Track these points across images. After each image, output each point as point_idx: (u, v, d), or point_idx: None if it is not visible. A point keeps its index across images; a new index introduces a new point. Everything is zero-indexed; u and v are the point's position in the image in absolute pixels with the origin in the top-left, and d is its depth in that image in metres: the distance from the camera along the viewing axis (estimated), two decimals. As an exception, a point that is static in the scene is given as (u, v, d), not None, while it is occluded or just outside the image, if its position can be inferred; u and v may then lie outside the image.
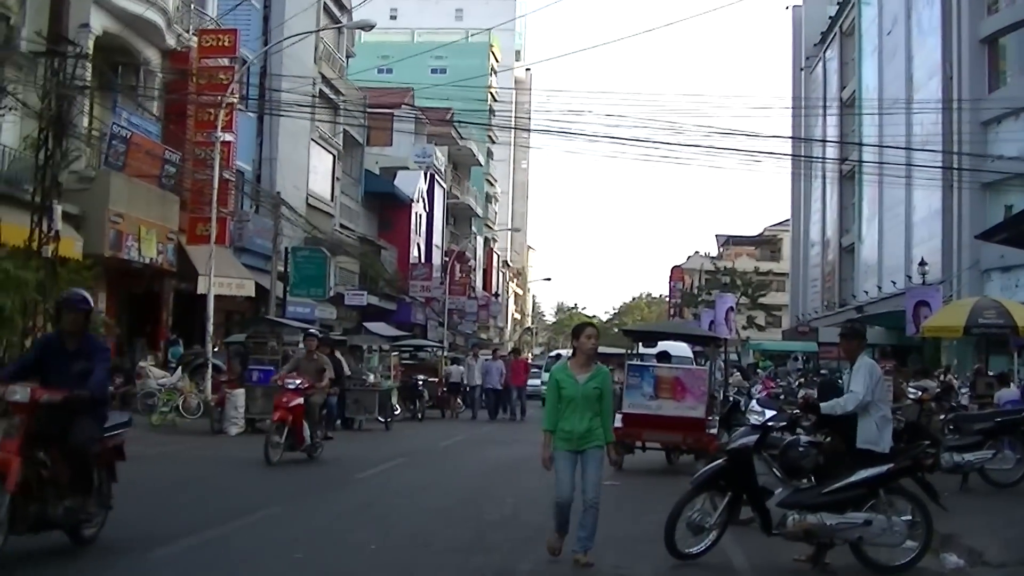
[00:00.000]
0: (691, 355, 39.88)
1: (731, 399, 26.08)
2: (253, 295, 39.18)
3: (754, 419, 13.12)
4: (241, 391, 28.65)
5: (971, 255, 52.09)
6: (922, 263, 49.49)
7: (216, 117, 34.26)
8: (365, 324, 41.72)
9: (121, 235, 32.26)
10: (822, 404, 13.15)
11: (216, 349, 33.21)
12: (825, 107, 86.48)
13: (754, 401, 13.92)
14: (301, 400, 21.77)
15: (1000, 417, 20.12)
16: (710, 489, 12.53)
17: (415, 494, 18.04)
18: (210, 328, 32.24)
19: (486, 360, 42.78)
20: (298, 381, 22.02)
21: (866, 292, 72.37)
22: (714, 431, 22.37)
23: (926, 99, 57.02)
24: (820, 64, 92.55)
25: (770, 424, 12.80)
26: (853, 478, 12.04)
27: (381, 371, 36.26)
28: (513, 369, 42.25)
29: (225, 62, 36.82)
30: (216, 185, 33.07)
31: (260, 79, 43.99)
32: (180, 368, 32.04)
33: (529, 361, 54.87)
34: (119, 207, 32.24)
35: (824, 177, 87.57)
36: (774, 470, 12.52)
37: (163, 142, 35.67)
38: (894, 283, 63.09)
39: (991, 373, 30.17)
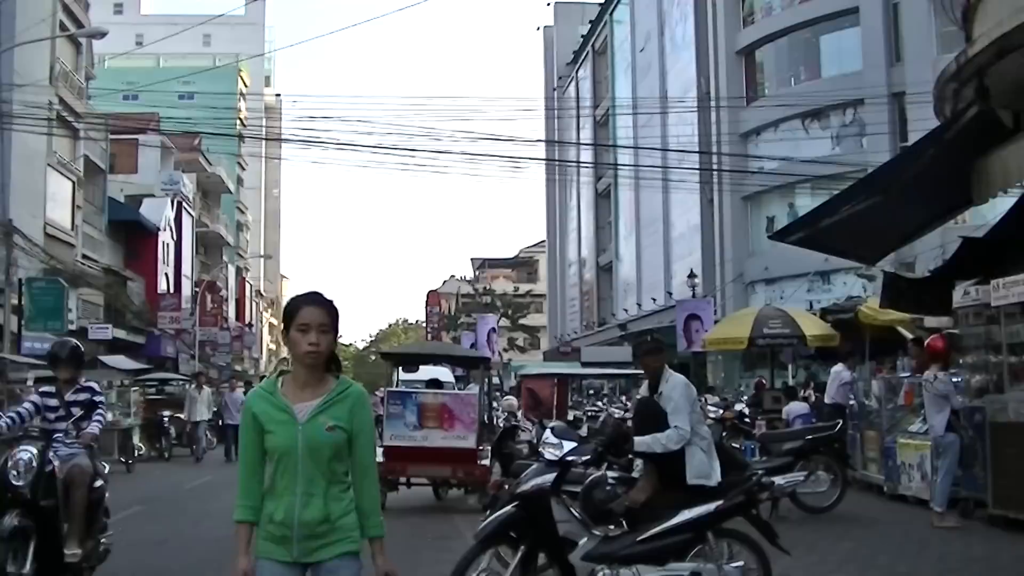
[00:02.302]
0: (453, 379, 37.96)
1: (501, 425, 24.30)
2: (-16, 330, 36.35)
3: (549, 453, 10.23)
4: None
5: (735, 268, 51.94)
6: (691, 275, 48.85)
7: (-63, 138, 31.67)
8: (100, 358, 38.72)
9: None
10: (637, 439, 10.78)
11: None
12: (579, 125, 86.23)
13: (547, 431, 11.27)
14: None
15: (811, 435, 18.23)
16: (499, 543, 10.08)
17: (148, 551, 15.48)
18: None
19: (223, 391, 39.80)
20: None
21: (626, 310, 72.27)
22: (487, 462, 20.58)
23: (683, 116, 56.70)
24: (573, 83, 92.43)
25: (570, 459, 10.23)
26: (674, 520, 9.81)
27: (120, 408, 33.44)
28: None
29: (-54, 79, 34.00)
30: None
31: (-10, 102, 41.11)
32: None
33: None
34: None
35: (579, 196, 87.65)
36: (576, 515, 10.25)
37: None
38: (654, 300, 63.01)
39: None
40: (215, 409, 39.10)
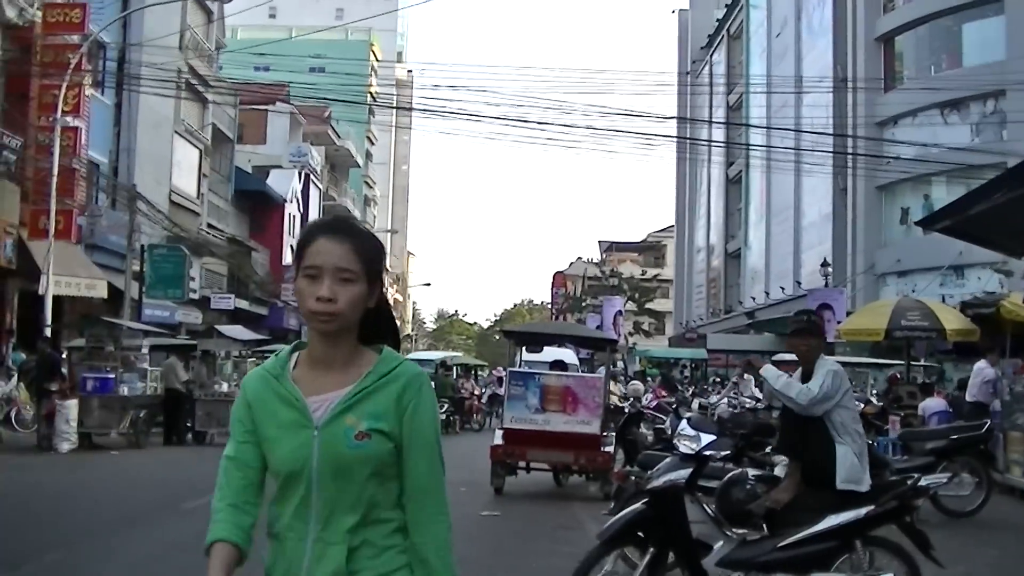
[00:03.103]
0: (577, 362, 37.17)
1: (627, 411, 23.46)
2: (105, 296, 35.98)
3: (685, 446, 9.37)
4: (73, 402, 25.18)
5: (866, 260, 50.65)
6: (824, 264, 47.56)
7: (61, 99, 31.44)
8: (217, 327, 38.06)
9: (-56, 227, 29.02)
10: (769, 367, 9.68)
11: (64, 355, 30.00)
12: (711, 108, 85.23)
13: (683, 422, 10.26)
14: None
15: (956, 434, 17.03)
16: (625, 543, 9.13)
17: None
18: (47, 332, 29.39)
19: None
20: None
21: (753, 298, 71.20)
22: (610, 449, 19.72)
23: (817, 101, 55.56)
24: (707, 67, 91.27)
25: (708, 453, 9.37)
26: (820, 526, 8.60)
27: (236, 379, 32.69)
28: None
29: (74, 39, 33.65)
30: (56, 173, 30.27)
31: (119, 64, 41.02)
32: (16, 376, 28.80)
33: None
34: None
35: (709, 182, 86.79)
36: (712, 516, 9.34)
37: (2, 126, 32.44)
38: (783, 289, 61.89)
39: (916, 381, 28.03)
40: None
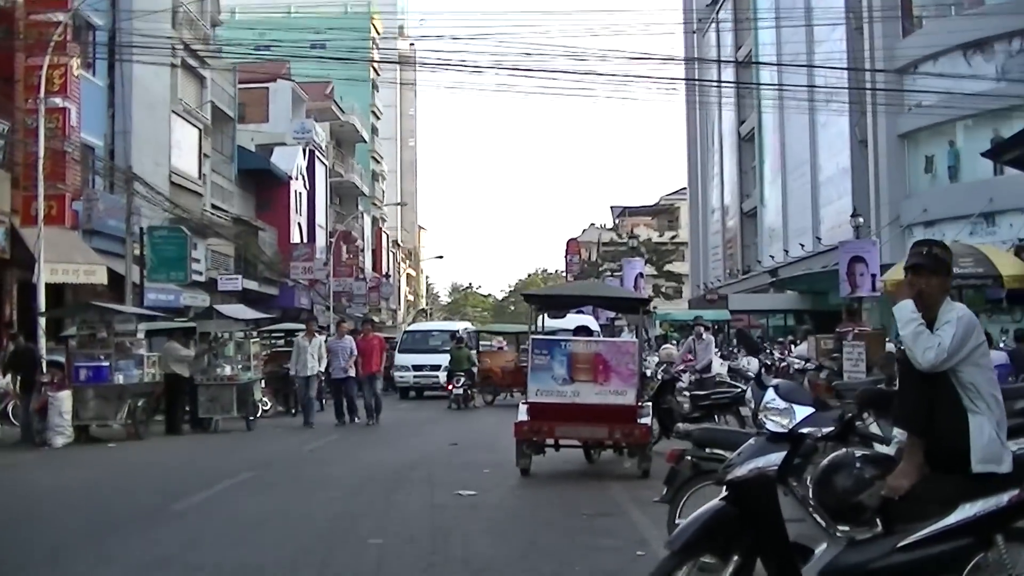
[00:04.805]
0: (599, 329, 35.53)
1: (659, 377, 21.75)
2: (105, 281, 34.72)
3: (774, 423, 7.22)
4: (67, 393, 23.73)
5: (890, 211, 49.09)
6: (855, 214, 45.79)
7: (48, 80, 30.11)
8: (217, 307, 36.17)
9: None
10: (902, 304, 7.24)
11: (63, 346, 28.53)
12: (719, 66, 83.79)
13: (769, 391, 7.49)
14: None
15: None
16: (703, 550, 7.00)
17: (244, 535, 12.69)
18: (41, 321, 28.09)
19: (328, 339, 32.25)
20: None
21: (772, 257, 69.78)
22: (647, 420, 17.84)
23: (831, 50, 54.05)
24: (713, 25, 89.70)
25: (805, 431, 7.12)
26: (952, 519, 6.66)
27: (240, 361, 30.79)
28: (362, 351, 30.43)
29: (58, 16, 32.27)
30: (43, 156, 28.97)
31: (109, 40, 39.80)
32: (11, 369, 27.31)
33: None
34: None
35: (722, 141, 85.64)
36: (811, 510, 7.04)
37: (-12, 110, 31.21)
38: (802, 246, 60.48)
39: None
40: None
